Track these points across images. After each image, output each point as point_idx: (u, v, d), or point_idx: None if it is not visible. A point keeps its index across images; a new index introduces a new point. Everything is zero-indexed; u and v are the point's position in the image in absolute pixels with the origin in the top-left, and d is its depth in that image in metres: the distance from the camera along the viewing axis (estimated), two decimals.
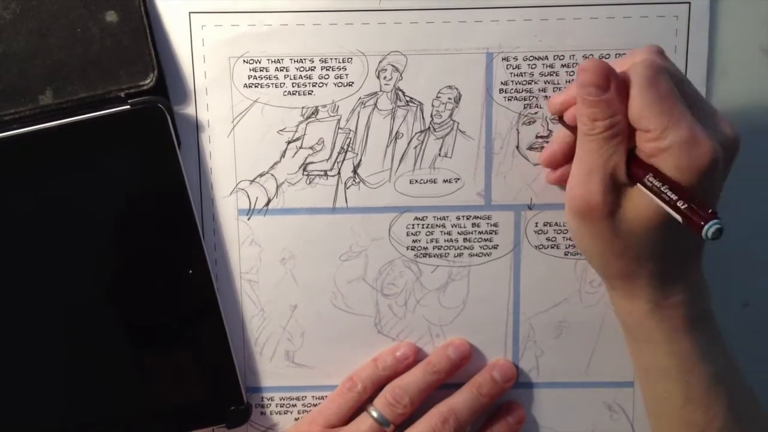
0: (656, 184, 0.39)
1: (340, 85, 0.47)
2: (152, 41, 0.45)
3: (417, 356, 0.49)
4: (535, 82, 0.47)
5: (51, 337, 0.47)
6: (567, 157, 0.46)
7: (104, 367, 0.47)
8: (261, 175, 0.48)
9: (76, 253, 0.46)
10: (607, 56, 0.47)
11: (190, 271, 0.47)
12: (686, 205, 0.37)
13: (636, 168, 0.40)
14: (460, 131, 0.48)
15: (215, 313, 0.48)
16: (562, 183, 0.47)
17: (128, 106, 0.45)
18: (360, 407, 0.48)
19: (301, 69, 0.47)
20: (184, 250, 0.47)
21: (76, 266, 0.46)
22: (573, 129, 0.44)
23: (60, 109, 0.45)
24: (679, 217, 0.38)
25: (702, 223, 0.36)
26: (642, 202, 0.40)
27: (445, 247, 0.49)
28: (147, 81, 0.45)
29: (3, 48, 0.45)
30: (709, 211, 0.37)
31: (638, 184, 0.40)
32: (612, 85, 0.40)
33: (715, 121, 0.41)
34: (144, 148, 0.46)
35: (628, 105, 0.40)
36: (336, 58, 0.47)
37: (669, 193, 0.38)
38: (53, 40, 0.45)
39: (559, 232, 0.48)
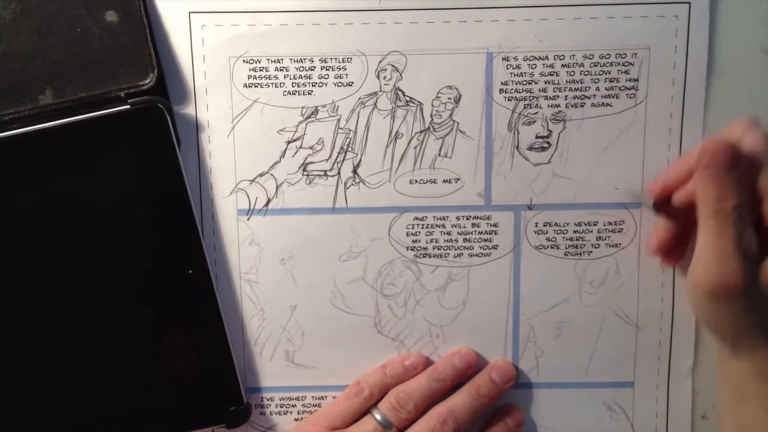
0: None
1: (339, 85, 0.47)
2: (152, 41, 0.45)
3: (426, 366, 0.49)
4: (536, 82, 0.47)
5: (50, 337, 0.46)
6: (676, 241, 0.46)
7: (104, 367, 0.47)
8: (261, 175, 0.48)
9: (76, 253, 0.46)
10: (607, 56, 0.47)
11: (190, 271, 0.47)
12: None
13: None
14: (460, 131, 0.48)
15: (215, 313, 0.48)
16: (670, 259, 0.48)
17: (128, 106, 0.45)
18: (365, 412, 0.48)
19: (301, 69, 0.47)
20: (184, 250, 0.47)
21: (76, 266, 0.46)
22: (673, 215, 0.44)
23: (60, 109, 0.45)
24: None
25: None
26: None
27: (445, 248, 0.49)
28: (147, 81, 0.45)
29: (3, 48, 0.45)
30: None
31: None
32: (740, 162, 0.40)
33: None
34: (144, 148, 0.46)
35: (758, 177, 0.40)
36: (336, 58, 0.47)
37: None
38: (53, 39, 0.45)
39: (559, 232, 0.48)
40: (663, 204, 0.45)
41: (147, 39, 0.45)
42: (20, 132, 0.44)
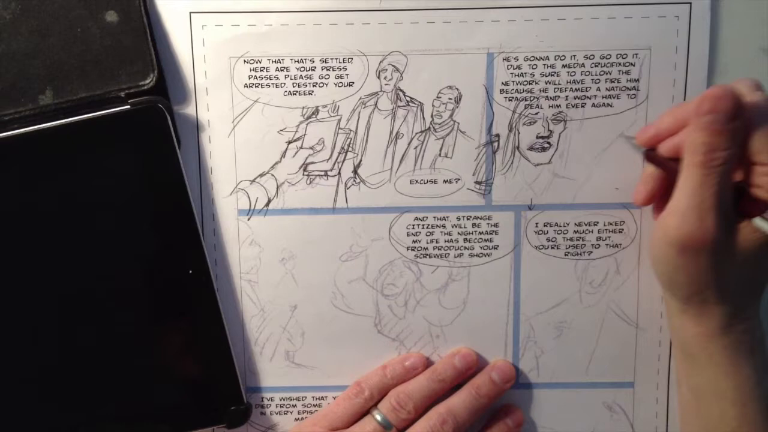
0: None
1: (340, 85, 0.47)
2: (152, 41, 0.45)
3: (426, 367, 0.49)
4: (536, 83, 0.47)
5: (50, 337, 0.46)
6: (663, 192, 0.45)
7: (104, 367, 0.47)
8: (261, 175, 0.48)
9: (76, 253, 0.46)
10: (608, 56, 0.47)
11: (190, 271, 0.47)
12: None
13: (748, 204, 0.40)
14: (461, 131, 0.48)
15: (215, 313, 0.48)
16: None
17: (128, 106, 0.45)
18: (365, 413, 0.48)
19: (302, 69, 0.47)
20: (184, 250, 0.47)
21: (76, 266, 0.46)
22: (662, 164, 0.43)
23: (60, 109, 0.45)
24: None
25: None
26: (751, 238, 0.40)
27: (446, 248, 0.49)
28: (147, 81, 0.45)
29: (3, 48, 0.45)
30: None
31: (748, 219, 0.40)
32: (740, 115, 0.39)
33: None
34: (144, 148, 0.45)
35: (749, 137, 0.40)
36: (336, 58, 0.47)
37: None
38: (53, 39, 0.45)
39: (559, 232, 0.48)
40: (653, 152, 0.45)
41: (147, 39, 0.45)
42: (20, 132, 0.44)
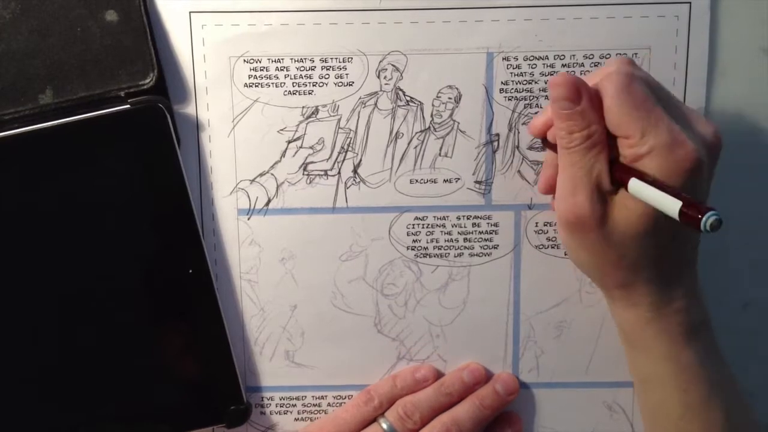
0: (644, 186, 0.39)
1: (340, 84, 0.47)
2: (152, 41, 0.45)
3: (436, 379, 0.49)
4: (536, 82, 0.47)
5: (50, 337, 0.46)
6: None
7: (104, 367, 0.47)
8: (261, 175, 0.48)
9: (76, 253, 0.46)
10: (607, 56, 0.47)
11: (190, 271, 0.47)
12: (680, 200, 0.37)
13: (621, 174, 0.40)
14: (461, 131, 0.48)
15: (215, 313, 0.48)
16: None
17: (128, 106, 0.45)
18: (371, 420, 0.48)
19: (302, 69, 0.47)
20: (184, 250, 0.47)
21: (76, 266, 0.46)
22: (555, 147, 0.44)
23: (60, 109, 0.45)
24: (675, 214, 0.37)
25: (699, 215, 0.36)
26: (631, 208, 0.40)
27: (446, 247, 0.49)
28: (147, 80, 0.45)
29: (3, 47, 0.45)
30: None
31: (626, 190, 0.40)
32: (584, 96, 0.40)
33: (695, 122, 0.41)
34: (144, 148, 0.45)
35: (604, 114, 0.40)
36: (336, 58, 0.47)
37: (660, 192, 0.38)
38: (53, 39, 0.45)
39: None
40: (546, 140, 0.45)
41: (147, 39, 0.45)
42: (20, 132, 0.44)
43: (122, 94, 0.45)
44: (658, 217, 0.40)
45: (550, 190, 0.46)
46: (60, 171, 0.45)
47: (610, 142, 0.41)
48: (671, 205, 0.37)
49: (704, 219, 0.35)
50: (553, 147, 0.44)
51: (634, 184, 0.39)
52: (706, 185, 0.41)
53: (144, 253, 0.47)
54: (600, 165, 0.41)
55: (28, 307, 0.46)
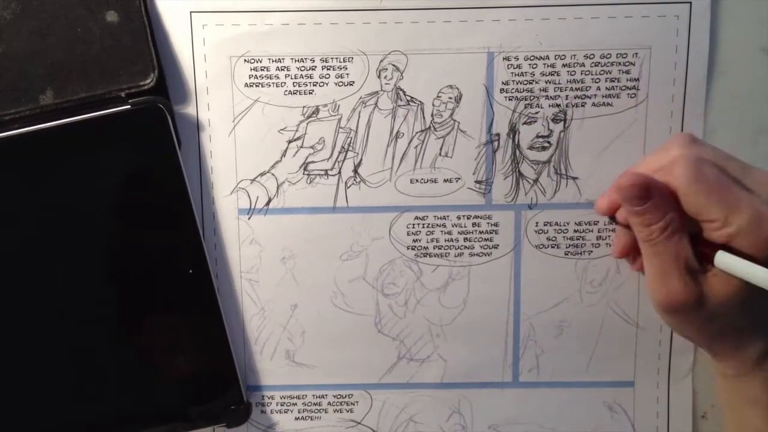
0: (733, 259, 0.40)
1: (340, 84, 0.47)
2: (152, 41, 0.45)
3: None
4: (536, 82, 0.47)
5: (50, 337, 0.46)
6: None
7: (104, 367, 0.47)
8: (262, 175, 0.48)
9: (76, 253, 0.46)
10: (608, 56, 0.47)
11: (190, 271, 0.47)
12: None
13: (707, 250, 0.41)
14: (461, 131, 0.48)
15: (215, 313, 0.48)
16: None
17: (128, 106, 0.45)
18: None
19: (302, 68, 0.47)
20: (184, 250, 0.47)
21: (76, 266, 0.46)
22: (628, 226, 0.44)
23: (60, 109, 0.45)
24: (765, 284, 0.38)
25: None
26: (722, 282, 0.41)
27: (446, 247, 0.49)
28: (147, 81, 0.45)
29: (3, 48, 0.45)
30: None
31: (714, 266, 0.41)
32: (654, 192, 0.41)
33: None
34: (144, 148, 0.45)
35: (679, 200, 0.41)
36: (337, 58, 0.47)
37: (749, 263, 0.39)
38: (53, 40, 0.45)
39: (559, 231, 0.48)
40: (617, 220, 0.46)
41: (147, 39, 0.45)
42: (20, 132, 0.44)
43: (123, 94, 0.45)
44: (749, 284, 0.40)
45: (625, 255, 0.47)
46: (60, 171, 0.45)
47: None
48: (763, 277, 0.38)
49: None
50: (625, 225, 0.45)
51: (721, 259, 0.40)
52: None
53: (144, 253, 0.47)
54: (685, 248, 0.41)
55: (27, 307, 0.46)
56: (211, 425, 0.49)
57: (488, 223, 0.48)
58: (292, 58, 0.47)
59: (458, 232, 0.49)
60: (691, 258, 0.41)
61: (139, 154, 0.46)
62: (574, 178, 0.48)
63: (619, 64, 0.47)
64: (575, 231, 0.48)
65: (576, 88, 0.47)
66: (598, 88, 0.47)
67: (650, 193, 0.41)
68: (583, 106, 0.47)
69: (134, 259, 0.47)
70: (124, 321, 0.47)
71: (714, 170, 0.40)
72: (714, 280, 0.41)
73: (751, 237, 0.39)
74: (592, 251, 0.48)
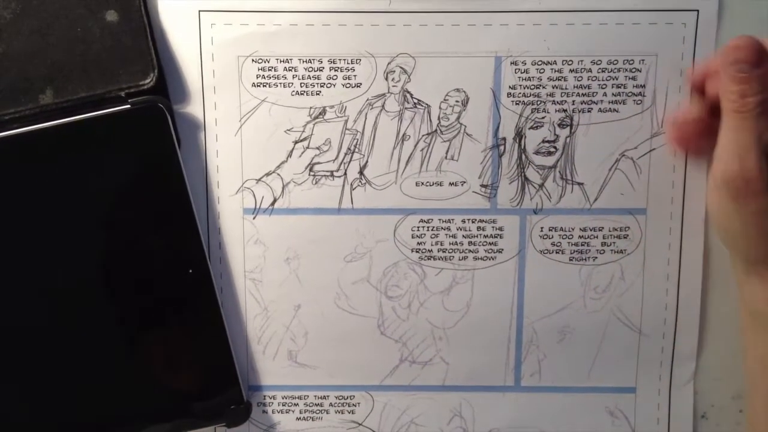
0: None
1: (348, 86, 0.46)
2: (152, 41, 0.44)
3: None
4: (543, 87, 0.47)
5: (50, 337, 0.46)
6: (700, 132, 0.46)
7: (103, 367, 0.47)
8: (267, 175, 0.47)
9: (76, 253, 0.45)
10: (615, 62, 0.47)
11: (190, 271, 0.46)
12: None
13: None
14: (467, 134, 0.47)
15: (215, 313, 0.47)
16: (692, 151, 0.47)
17: (128, 106, 0.44)
18: None
19: (310, 69, 0.46)
20: (184, 250, 0.46)
21: (76, 266, 0.46)
22: (704, 101, 0.44)
23: (60, 109, 0.44)
24: None
25: None
26: None
27: (450, 250, 0.49)
28: (147, 80, 0.45)
29: (3, 48, 0.44)
30: None
31: None
32: (765, 61, 0.40)
33: None
34: (144, 148, 0.45)
35: None
36: (344, 59, 0.46)
37: None
38: (53, 39, 0.44)
39: (564, 237, 0.49)
40: (698, 87, 0.45)
41: (147, 39, 0.44)
42: (20, 132, 0.43)
43: (122, 94, 0.45)
44: None
45: (685, 144, 0.46)
46: (60, 171, 0.44)
47: None
48: None
49: None
50: (705, 97, 0.44)
51: None
52: None
53: (144, 253, 0.46)
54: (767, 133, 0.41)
55: (26, 307, 0.46)
56: (211, 425, 0.49)
57: (493, 228, 0.49)
58: (299, 59, 0.46)
59: (463, 236, 0.49)
60: None
61: (139, 154, 0.45)
62: (580, 184, 0.48)
63: (626, 70, 0.47)
64: (580, 237, 0.49)
65: (582, 94, 0.47)
66: (605, 94, 0.47)
67: (761, 61, 0.40)
68: (589, 111, 0.47)
69: (134, 258, 0.46)
70: (123, 321, 0.47)
71: None
72: None
73: None
74: (596, 257, 0.49)
